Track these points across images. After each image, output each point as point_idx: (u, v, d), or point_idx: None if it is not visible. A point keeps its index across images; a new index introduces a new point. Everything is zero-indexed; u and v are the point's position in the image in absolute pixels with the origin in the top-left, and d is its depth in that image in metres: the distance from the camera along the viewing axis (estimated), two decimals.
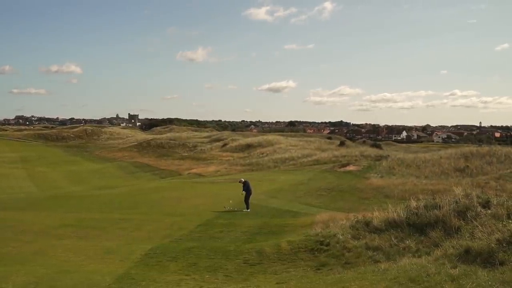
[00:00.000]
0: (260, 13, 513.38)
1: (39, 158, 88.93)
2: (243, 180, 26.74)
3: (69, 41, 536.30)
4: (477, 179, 34.37)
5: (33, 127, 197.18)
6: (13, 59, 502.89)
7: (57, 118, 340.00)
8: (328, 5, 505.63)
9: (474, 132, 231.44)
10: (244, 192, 25.48)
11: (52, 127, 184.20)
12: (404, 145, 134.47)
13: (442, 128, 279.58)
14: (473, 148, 52.08)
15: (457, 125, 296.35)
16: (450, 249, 10.14)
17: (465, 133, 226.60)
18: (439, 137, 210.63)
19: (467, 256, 9.54)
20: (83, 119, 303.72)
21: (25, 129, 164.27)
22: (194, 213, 23.99)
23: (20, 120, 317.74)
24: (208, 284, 11.03)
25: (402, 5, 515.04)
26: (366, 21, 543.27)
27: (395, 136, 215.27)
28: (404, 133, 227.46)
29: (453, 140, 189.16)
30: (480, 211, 12.34)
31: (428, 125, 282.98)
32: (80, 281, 10.79)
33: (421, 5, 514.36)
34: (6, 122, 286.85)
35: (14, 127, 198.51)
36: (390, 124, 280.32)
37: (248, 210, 24.65)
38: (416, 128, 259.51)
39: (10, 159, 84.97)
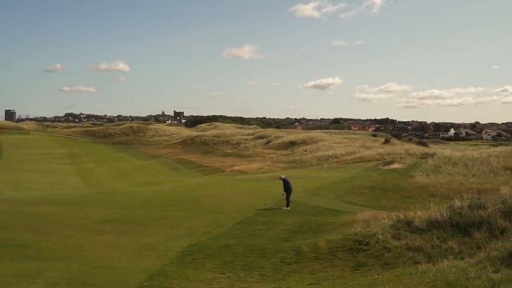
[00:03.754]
0: (308, 9, 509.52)
1: (86, 155, 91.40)
2: (283, 177, 26.48)
3: (118, 40, 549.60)
4: None
5: (82, 124, 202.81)
6: (64, 58, 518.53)
7: (105, 115, 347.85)
8: (377, 0, 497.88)
9: None
10: (285, 192, 25.23)
11: (100, 124, 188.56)
12: (452, 142, 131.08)
13: (492, 125, 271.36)
14: None
15: (508, 123, 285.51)
16: (494, 251, 9.60)
17: None
18: (489, 134, 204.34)
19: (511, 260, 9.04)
20: (130, 116, 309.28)
21: (74, 126, 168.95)
22: (234, 210, 23.89)
23: (70, 118, 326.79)
24: (241, 283, 10.87)
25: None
26: (415, 16, 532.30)
27: (443, 134, 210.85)
28: (452, 131, 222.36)
29: (503, 138, 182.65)
30: None
31: (477, 123, 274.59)
32: (113, 277, 10.80)
33: None
34: (57, 119, 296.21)
35: (64, 124, 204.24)
36: (437, 121, 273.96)
37: (288, 208, 24.38)
38: (464, 126, 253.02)
39: (59, 155, 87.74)
